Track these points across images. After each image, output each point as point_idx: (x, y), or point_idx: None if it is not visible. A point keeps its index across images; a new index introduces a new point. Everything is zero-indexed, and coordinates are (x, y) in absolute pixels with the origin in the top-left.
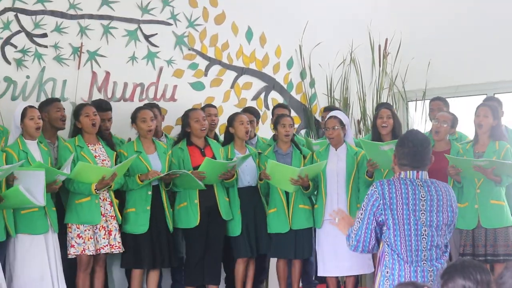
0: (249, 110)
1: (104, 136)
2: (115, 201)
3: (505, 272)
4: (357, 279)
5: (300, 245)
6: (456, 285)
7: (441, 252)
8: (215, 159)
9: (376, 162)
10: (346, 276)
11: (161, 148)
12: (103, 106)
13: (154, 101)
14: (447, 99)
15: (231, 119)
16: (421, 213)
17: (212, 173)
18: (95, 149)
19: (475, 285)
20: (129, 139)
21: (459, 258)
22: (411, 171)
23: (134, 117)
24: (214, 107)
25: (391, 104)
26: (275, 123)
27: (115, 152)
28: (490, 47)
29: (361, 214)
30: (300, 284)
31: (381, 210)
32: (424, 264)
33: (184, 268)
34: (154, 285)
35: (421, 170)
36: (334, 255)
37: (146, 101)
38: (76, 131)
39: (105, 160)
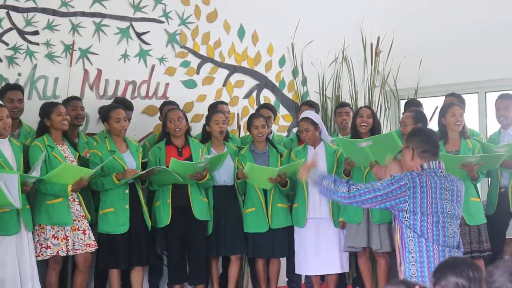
0: (267, 107)
1: (67, 136)
2: (83, 201)
3: (495, 270)
4: (344, 278)
5: (278, 244)
6: (448, 283)
7: (459, 242)
8: (191, 159)
9: (353, 160)
10: (328, 275)
11: (133, 146)
12: (126, 105)
13: (147, 99)
14: (438, 97)
15: (208, 118)
16: (446, 202)
17: (182, 173)
18: (63, 150)
19: (467, 282)
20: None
21: (450, 256)
22: (434, 162)
23: (107, 116)
24: (226, 104)
25: (384, 102)
26: (249, 124)
27: (78, 153)
28: (481, 46)
29: (379, 185)
30: (285, 284)
31: (407, 198)
32: (449, 250)
33: (167, 267)
34: (138, 284)
35: (439, 160)
36: (316, 254)
37: (138, 99)
38: (43, 129)
39: (73, 161)
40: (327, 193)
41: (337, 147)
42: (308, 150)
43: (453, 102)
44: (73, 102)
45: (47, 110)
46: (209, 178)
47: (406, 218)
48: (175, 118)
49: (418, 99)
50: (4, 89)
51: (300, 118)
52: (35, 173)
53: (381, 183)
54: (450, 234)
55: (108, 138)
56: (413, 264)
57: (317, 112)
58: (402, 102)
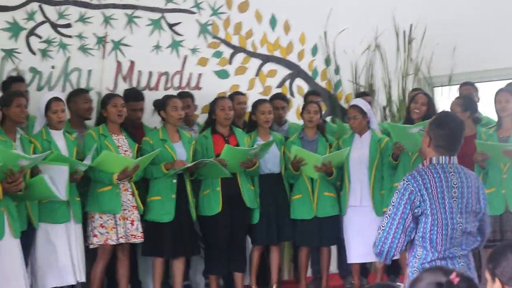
0: (278, 97)
1: (127, 127)
2: (136, 191)
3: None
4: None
5: (326, 233)
6: (510, 263)
7: (472, 238)
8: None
9: (403, 145)
10: (375, 264)
11: (186, 137)
12: (136, 96)
13: (180, 90)
14: (474, 84)
15: (254, 107)
16: (453, 200)
17: (233, 161)
18: (118, 140)
19: None
20: (155, 128)
21: (507, 240)
22: (443, 157)
23: (164, 104)
24: (243, 94)
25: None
26: (302, 109)
27: (137, 144)
28: None
29: (392, 210)
30: (337, 271)
31: (418, 203)
32: (456, 250)
33: (205, 257)
34: (179, 274)
35: (453, 156)
36: (359, 242)
37: (171, 90)
38: (101, 119)
39: (127, 151)
40: (377, 250)
41: (382, 136)
42: (354, 139)
43: (501, 89)
44: (83, 95)
45: (104, 101)
46: (258, 166)
47: (419, 227)
48: (226, 106)
49: (452, 86)
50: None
51: (349, 105)
52: (86, 161)
53: (392, 205)
54: (459, 234)
55: (162, 128)
56: (415, 270)
57: (319, 99)
58: (436, 90)
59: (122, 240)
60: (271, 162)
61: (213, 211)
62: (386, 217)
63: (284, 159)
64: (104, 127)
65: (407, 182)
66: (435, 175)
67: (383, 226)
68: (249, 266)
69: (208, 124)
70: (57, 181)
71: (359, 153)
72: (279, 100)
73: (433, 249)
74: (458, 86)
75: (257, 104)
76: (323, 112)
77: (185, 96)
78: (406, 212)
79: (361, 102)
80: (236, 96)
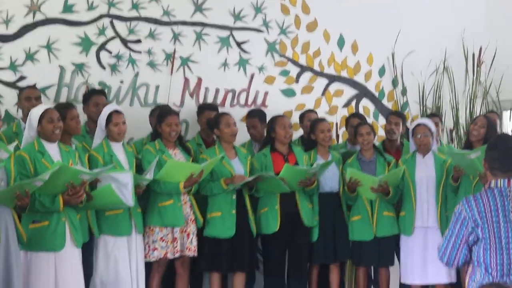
0: (357, 115)
1: (181, 141)
2: (195, 204)
3: None
4: None
5: (384, 253)
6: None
7: None
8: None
9: (462, 168)
10: (435, 286)
11: (242, 153)
12: (171, 112)
13: (247, 107)
14: None
15: (313, 126)
16: (510, 225)
17: (292, 180)
18: (175, 154)
19: None
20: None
21: None
22: (502, 180)
23: (217, 122)
24: (315, 112)
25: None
26: (355, 131)
27: (191, 157)
28: None
29: (448, 232)
30: None
31: (472, 229)
32: None
33: (264, 274)
34: (240, 287)
35: (509, 178)
36: (423, 263)
37: (237, 107)
38: (156, 134)
39: None
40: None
41: (445, 157)
42: (417, 159)
43: None
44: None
45: (160, 118)
46: (316, 185)
47: (473, 248)
48: (286, 124)
49: None
50: (90, 94)
51: (415, 124)
52: (149, 176)
53: (449, 227)
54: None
55: (218, 145)
56: None
57: (401, 119)
58: (505, 113)
59: (177, 254)
60: (332, 180)
61: (271, 229)
62: (444, 236)
63: (342, 180)
64: (160, 142)
65: (461, 207)
66: (490, 200)
67: (440, 245)
68: (308, 285)
69: (267, 142)
70: (122, 188)
71: (425, 174)
72: (356, 119)
73: (488, 274)
74: None
75: (316, 123)
76: (399, 133)
77: (254, 116)
78: (460, 236)
79: (428, 122)
80: (307, 114)
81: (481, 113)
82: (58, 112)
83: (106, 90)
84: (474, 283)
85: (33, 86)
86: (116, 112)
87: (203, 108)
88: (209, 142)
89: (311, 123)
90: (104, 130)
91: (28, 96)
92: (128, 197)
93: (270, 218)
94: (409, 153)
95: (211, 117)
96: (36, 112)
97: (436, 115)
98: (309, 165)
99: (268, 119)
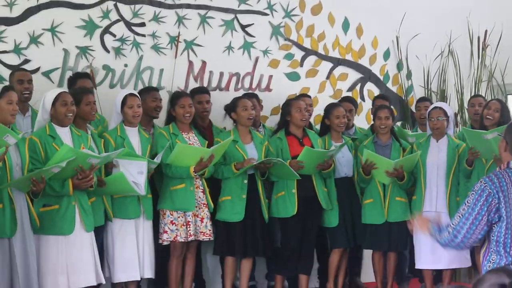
0: (347, 100)
1: (197, 124)
2: (207, 189)
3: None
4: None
5: (395, 238)
6: None
7: None
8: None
9: (478, 151)
10: (443, 270)
11: (258, 138)
12: (201, 90)
13: (250, 91)
14: None
15: (328, 111)
16: None
17: (311, 162)
18: (189, 137)
19: None
20: (224, 128)
21: None
22: None
23: (234, 106)
24: (309, 96)
25: (490, 96)
26: (374, 114)
27: (207, 141)
28: None
29: (466, 210)
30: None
31: (497, 205)
32: None
33: (277, 257)
34: (246, 274)
35: None
36: (432, 248)
37: (241, 91)
38: (171, 118)
39: None
40: (443, 244)
41: (459, 142)
42: (431, 143)
43: None
44: (153, 93)
45: (172, 100)
46: (334, 167)
47: (493, 228)
48: (302, 107)
49: None
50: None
51: (432, 107)
52: (156, 160)
53: (467, 205)
54: None
55: (234, 129)
56: None
57: (388, 103)
58: (510, 97)
59: (191, 238)
60: (347, 165)
61: (288, 213)
62: (459, 216)
63: (356, 163)
64: (174, 125)
65: (484, 184)
66: (511, 179)
67: (453, 225)
68: (329, 270)
69: (281, 125)
70: (136, 176)
71: (436, 158)
72: (347, 103)
73: (507, 254)
74: None
75: (331, 108)
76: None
77: (251, 97)
78: (481, 214)
79: (445, 105)
80: (302, 98)
81: (486, 97)
82: (73, 96)
83: (110, 74)
84: (490, 263)
85: (24, 69)
86: (131, 95)
87: (193, 93)
88: (205, 127)
89: (326, 107)
90: (119, 113)
91: (21, 79)
92: (141, 186)
93: (287, 202)
94: (422, 137)
95: (201, 100)
96: (50, 95)
97: (428, 99)
98: (323, 148)
99: (270, 102)
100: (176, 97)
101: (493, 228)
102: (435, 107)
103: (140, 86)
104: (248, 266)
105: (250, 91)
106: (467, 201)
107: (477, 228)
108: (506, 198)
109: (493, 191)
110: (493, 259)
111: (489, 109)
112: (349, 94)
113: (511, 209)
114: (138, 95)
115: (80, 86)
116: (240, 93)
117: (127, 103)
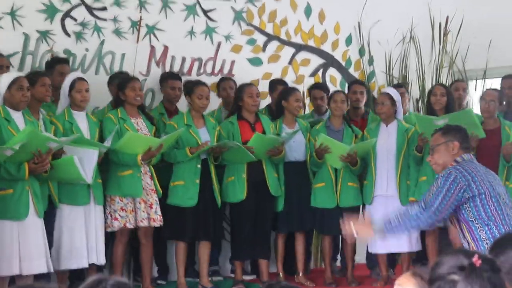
0: (318, 87)
1: (143, 109)
2: (154, 175)
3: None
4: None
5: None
6: (508, 258)
7: None
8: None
9: (427, 137)
10: (401, 254)
11: (210, 123)
12: (174, 75)
13: (213, 76)
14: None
15: (286, 93)
16: (495, 184)
17: (261, 148)
18: (137, 123)
19: None
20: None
21: (508, 231)
22: (467, 154)
23: (191, 90)
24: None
25: (451, 82)
26: (329, 98)
27: (154, 126)
28: None
29: (437, 188)
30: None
31: (465, 186)
32: None
33: (231, 243)
34: (205, 258)
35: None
36: None
37: (204, 76)
38: (118, 102)
39: (146, 134)
40: (404, 227)
41: (409, 126)
42: (381, 128)
43: None
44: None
45: (122, 84)
46: (284, 154)
47: (469, 209)
48: (253, 93)
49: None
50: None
51: (380, 92)
52: (106, 143)
53: (437, 185)
54: (508, 215)
55: (187, 113)
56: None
57: (364, 89)
58: (471, 83)
59: (142, 224)
60: (297, 150)
61: (238, 197)
62: (430, 194)
63: (309, 147)
64: (123, 110)
65: (449, 170)
66: (471, 165)
67: (425, 200)
68: (275, 254)
69: (234, 110)
70: (85, 164)
71: (386, 143)
72: (319, 90)
73: (497, 224)
74: (500, 78)
75: (290, 91)
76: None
77: (228, 80)
78: (451, 191)
79: (392, 91)
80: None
81: (447, 83)
82: (28, 78)
83: (71, 58)
84: (483, 242)
85: (1, 54)
86: (80, 79)
87: (166, 77)
88: (172, 112)
89: (284, 90)
90: (67, 98)
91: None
92: (88, 174)
93: (237, 187)
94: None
95: (174, 86)
96: (6, 79)
97: (401, 85)
98: (275, 134)
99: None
100: (126, 80)
101: (468, 209)
102: (382, 93)
103: (102, 71)
104: (205, 250)
105: (221, 76)
106: (437, 183)
107: (447, 204)
108: (474, 178)
109: (459, 175)
110: (484, 236)
111: (435, 95)
112: (311, 79)
113: (485, 185)
114: (87, 80)
115: (37, 70)
116: (202, 78)
117: (75, 88)
